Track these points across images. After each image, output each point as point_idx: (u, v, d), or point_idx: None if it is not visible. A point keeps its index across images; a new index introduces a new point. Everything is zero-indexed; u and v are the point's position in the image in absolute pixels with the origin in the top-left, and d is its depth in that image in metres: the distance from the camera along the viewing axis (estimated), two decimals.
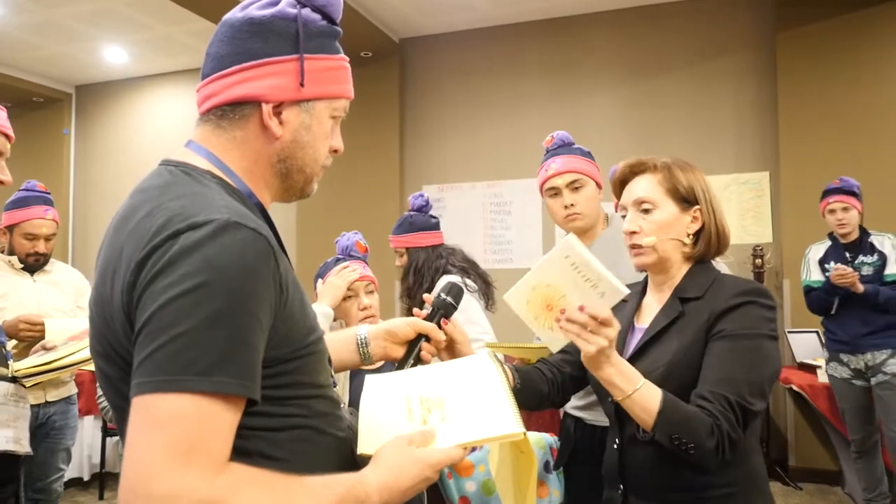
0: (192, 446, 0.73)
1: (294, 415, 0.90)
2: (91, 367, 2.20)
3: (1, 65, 6.08)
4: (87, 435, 4.46)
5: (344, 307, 2.09)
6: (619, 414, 1.37)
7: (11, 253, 2.85)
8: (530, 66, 5.36)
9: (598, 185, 2.13)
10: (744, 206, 4.82)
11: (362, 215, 5.40)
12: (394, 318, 1.31)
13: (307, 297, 0.96)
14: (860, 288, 3.37)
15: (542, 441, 2.54)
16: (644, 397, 1.23)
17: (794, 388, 4.23)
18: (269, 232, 0.86)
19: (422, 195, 2.85)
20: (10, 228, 2.83)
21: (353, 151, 5.10)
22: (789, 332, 4.41)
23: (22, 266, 2.85)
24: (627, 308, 1.50)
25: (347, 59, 1.03)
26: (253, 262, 0.80)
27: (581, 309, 1.19)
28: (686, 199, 1.40)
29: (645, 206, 1.41)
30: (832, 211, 3.57)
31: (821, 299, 3.54)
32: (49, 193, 2.94)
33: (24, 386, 2.08)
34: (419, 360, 1.25)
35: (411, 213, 2.81)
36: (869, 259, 3.50)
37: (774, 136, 4.74)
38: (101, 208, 6.54)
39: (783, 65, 4.65)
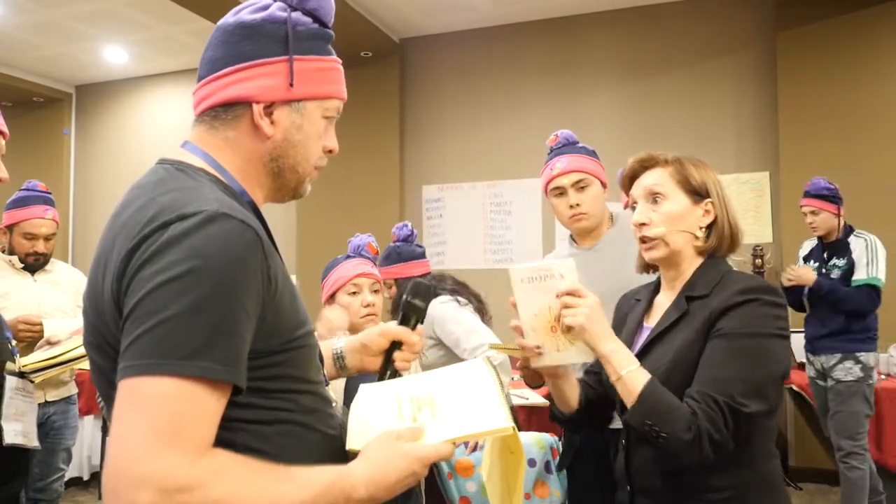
0: (176, 429, 0.74)
1: (281, 409, 0.91)
2: None
3: (1, 64, 6.08)
4: (87, 435, 4.45)
5: (347, 302, 2.09)
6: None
7: (12, 253, 2.85)
8: (530, 66, 5.36)
9: (603, 185, 2.13)
10: (744, 206, 4.82)
11: (362, 215, 5.40)
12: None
13: (298, 293, 0.97)
14: (809, 281, 3.41)
15: (543, 441, 2.54)
16: (632, 380, 1.24)
17: (794, 387, 4.23)
18: (258, 224, 0.88)
19: (406, 225, 2.85)
20: (10, 228, 2.83)
21: (353, 151, 5.13)
22: (790, 331, 4.42)
23: (22, 266, 2.85)
24: (638, 307, 1.49)
25: (340, 61, 1.04)
26: (240, 251, 0.82)
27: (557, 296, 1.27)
28: (697, 192, 1.37)
29: (655, 196, 1.37)
30: (804, 214, 3.60)
31: (789, 296, 3.55)
32: (49, 193, 2.94)
33: (31, 381, 2.10)
34: (396, 371, 1.23)
35: (397, 243, 2.81)
36: (840, 262, 3.50)
37: (774, 136, 4.74)
38: (101, 208, 6.54)
39: (783, 65, 4.65)
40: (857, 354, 3.38)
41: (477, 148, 5.48)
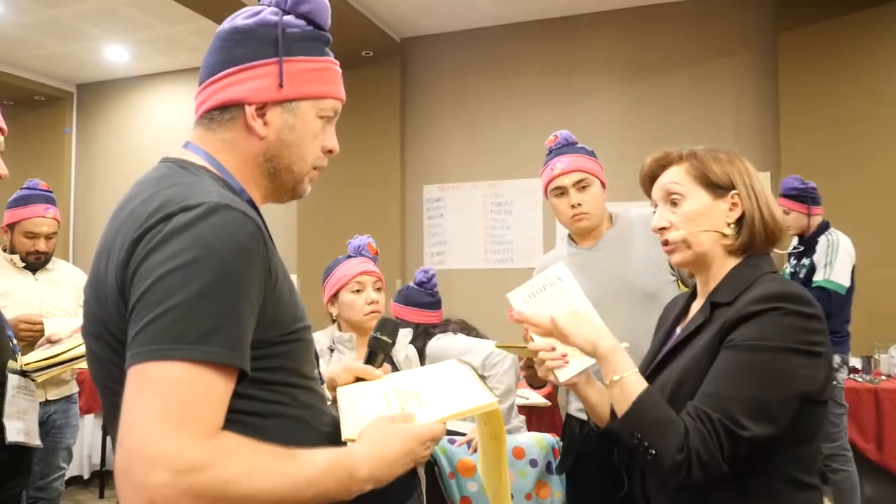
0: (185, 412, 0.77)
1: (279, 402, 0.93)
2: None
3: (2, 63, 6.08)
4: (87, 434, 4.46)
5: (350, 300, 2.09)
6: None
7: (13, 251, 2.85)
8: (531, 65, 5.36)
9: (603, 185, 2.13)
10: None
11: (363, 215, 5.40)
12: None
13: (296, 288, 1.00)
14: None
15: (544, 441, 2.54)
16: (630, 385, 1.16)
17: None
18: (259, 217, 0.91)
19: (427, 271, 2.90)
20: (11, 227, 2.83)
21: (353, 151, 5.12)
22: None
23: (24, 265, 2.85)
24: (673, 313, 1.39)
25: (337, 62, 1.06)
26: (243, 241, 0.84)
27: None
28: (719, 186, 1.24)
29: (673, 196, 1.27)
30: None
31: None
32: (51, 192, 2.94)
33: (33, 381, 2.10)
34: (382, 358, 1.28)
35: (411, 285, 2.89)
36: (806, 262, 3.49)
37: (775, 137, 4.74)
38: (102, 207, 6.53)
39: (784, 66, 4.65)
40: None
41: (478, 148, 5.48)
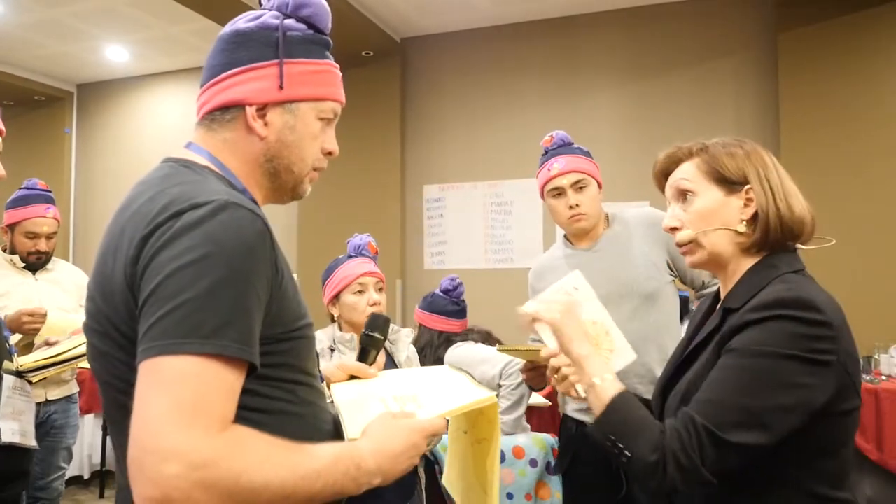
0: (197, 405, 0.78)
1: (281, 398, 0.94)
2: None
3: (2, 63, 6.08)
4: (87, 433, 4.46)
5: (353, 301, 2.08)
6: None
7: (13, 251, 2.85)
8: (531, 65, 5.36)
9: (599, 185, 2.13)
10: None
11: (363, 215, 5.40)
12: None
13: (299, 287, 1.01)
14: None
15: (544, 441, 2.54)
16: (604, 389, 1.13)
17: None
18: (265, 215, 0.92)
19: (454, 279, 2.93)
20: (12, 227, 2.83)
21: (354, 151, 5.13)
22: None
23: (24, 265, 2.85)
24: (700, 314, 1.33)
25: (337, 65, 1.08)
26: (251, 239, 0.86)
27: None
28: (732, 181, 1.18)
29: (684, 193, 1.22)
30: None
31: None
32: (50, 192, 2.94)
33: (30, 382, 2.10)
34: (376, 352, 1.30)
35: (436, 292, 2.92)
36: None
37: (776, 137, 4.73)
38: (102, 207, 6.54)
39: (784, 66, 4.65)
40: None
41: (478, 147, 5.49)
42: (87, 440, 4.45)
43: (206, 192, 0.88)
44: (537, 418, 3.40)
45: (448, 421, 1.05)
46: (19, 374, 2.06)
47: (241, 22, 1.03)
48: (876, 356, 3.90)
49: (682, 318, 2.14)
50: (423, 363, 2.64)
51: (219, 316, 0.81)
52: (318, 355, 1.07)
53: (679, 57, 5.02)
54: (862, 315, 3.65)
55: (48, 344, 2.39)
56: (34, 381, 2.12)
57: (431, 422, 1.00)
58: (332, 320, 2.17)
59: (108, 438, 4.37)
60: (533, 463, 2.47)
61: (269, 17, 1.02)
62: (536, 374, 1.78)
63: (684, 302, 2.23)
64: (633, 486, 1.91)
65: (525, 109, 5.35)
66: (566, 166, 2.08)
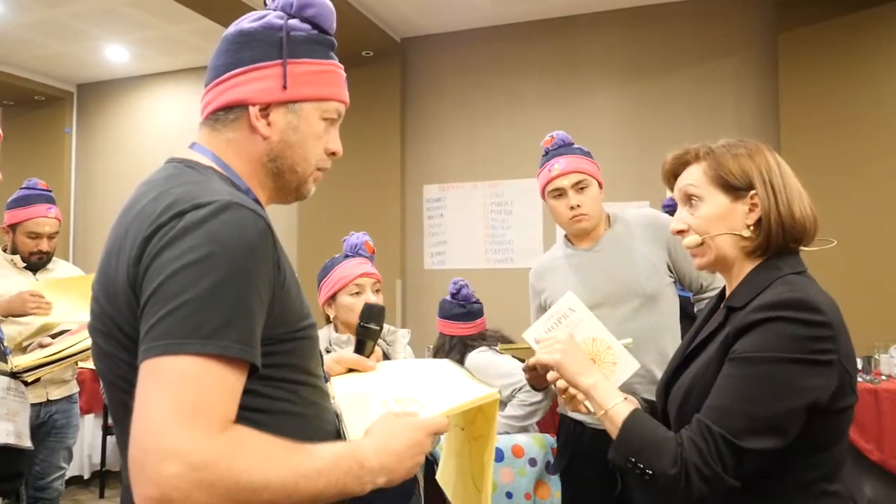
0: (197, 405, 0.78)
1: (284, 399, 0.94)
2: (91, 363, 2.21)
3: (2, 63, 6.08)
4: (87, 433, 4.46)
5: (349, 303, 2.06)
6: None
7: (14, 252, 2.85)
8: (531, 65, 5.36)
9: (600, 185, 2.13)
10: None
11: (363, 215, 5.40)
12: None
13: (301, 287, 1.01)
14: None
15: (544, 441, 2.54)
16: (616, 414, 1.17)
17: None
18: (267, 215, 0.92)
19: (456, 282, 2.93)
20: (13, 227, 2.83)
21: (354, 151, 5.11)
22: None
23: (24, 265, 2.85)
24: (705, 312, 1.36)
25: (342, 66, 1.08)
26: (254, 239, 0.86)
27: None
28: (738, 187, 1.20)
29: (691, 198, 1.25)
30: None
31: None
32: (51, 191, 2.94)
33: (24, 382, 2.09)
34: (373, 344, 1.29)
35: (446, 297, 2.94)
36: None
37: (776, 137, 4.73)
38: (102, 207, 6.54)
39: (784, 66, 4.65)
40: None
41: (478, 147, 5.49)
42: (87, 440, 4.46)
43: (209, 192, 0.88)
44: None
45: (449, 418, 1.04)
46: (13, 374, 2.05)
47: (246, 22, 1.03)
48: (876, 356, 3.89)
49: (683, 318, 2.13)
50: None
51: (220, 316, 0.80)
52: (321, 355, 1.06)
53: (679, 57, 5.02)
54: (862, 315, 3.65)
55: (41, 346, 2.39)
56: (29, 381, 2.12)
57: (434, 420, 0.99)
58: (328, 321, 2.14)
59: (109, 438, 4.38)
60: (532, 462, 2.47)
61: (274, 17, 1.02)
62: (537, 373, 1.78)
63: (687, 301, 2.22)
64: (627, 485, 1.91)
65: (525, 109, 5.35)
66: (567, 167, 2.07)
